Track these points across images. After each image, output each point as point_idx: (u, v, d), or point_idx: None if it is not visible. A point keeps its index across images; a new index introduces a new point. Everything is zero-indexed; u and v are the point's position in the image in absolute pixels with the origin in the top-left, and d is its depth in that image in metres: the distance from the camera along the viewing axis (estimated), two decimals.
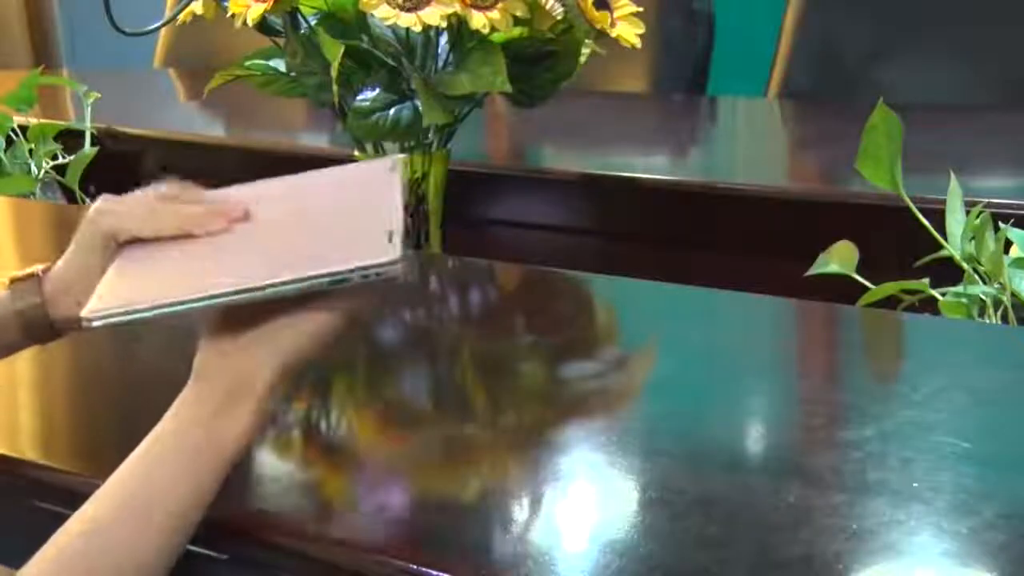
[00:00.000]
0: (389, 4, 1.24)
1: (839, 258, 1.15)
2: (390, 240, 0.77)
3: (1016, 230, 1.11)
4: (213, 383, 0.74)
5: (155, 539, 0.71)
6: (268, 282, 0.76)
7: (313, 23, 1.30)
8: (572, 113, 1.81)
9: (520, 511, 0.79)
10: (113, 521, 0.71)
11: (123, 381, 0.97)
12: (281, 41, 1.35)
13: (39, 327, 0.85)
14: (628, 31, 1.31)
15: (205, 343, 0.76)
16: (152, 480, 0.72)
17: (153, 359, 1.04)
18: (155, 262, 0.82)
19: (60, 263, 0.85)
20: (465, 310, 1.22)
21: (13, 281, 0.85)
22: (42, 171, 1.69)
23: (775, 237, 1.43)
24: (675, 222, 1.50)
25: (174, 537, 0.72)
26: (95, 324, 0.77)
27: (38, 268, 0.85)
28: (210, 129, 2.15)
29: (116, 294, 0.79)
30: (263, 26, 1.32)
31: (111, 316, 0.77)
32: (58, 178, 1.69)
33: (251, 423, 0.74)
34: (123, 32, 1.43)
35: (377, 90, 1.29)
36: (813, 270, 1.16)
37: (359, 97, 1.29)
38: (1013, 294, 1.09)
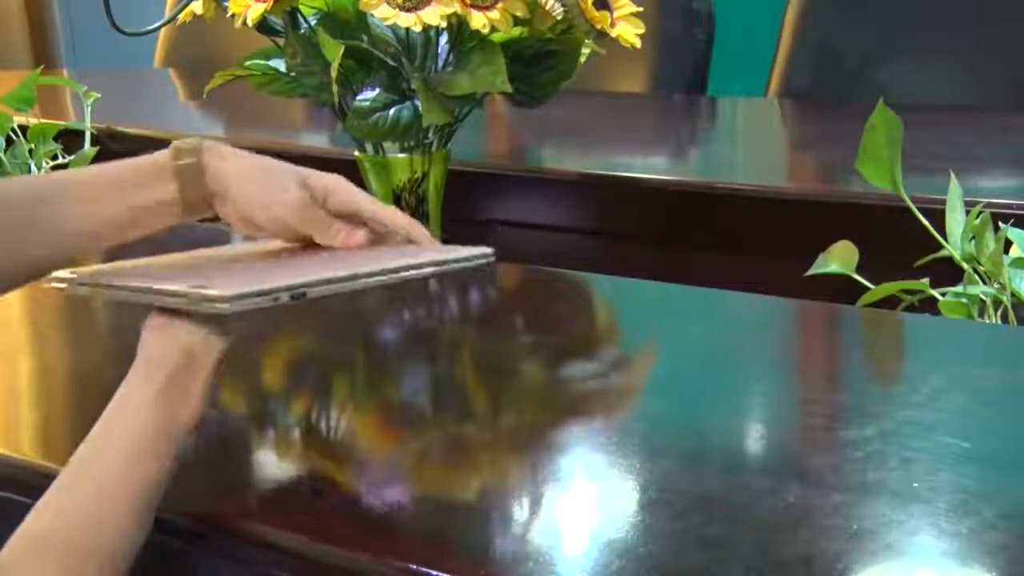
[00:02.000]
0: (389, 4, 1.23)
1: (839, 258, 1.15)
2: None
3: (1016, 230, 1.11)
4: (160, 361, 0.75)
5: (120, 523, 0.72)
6: (379, 268, 0.82)
7: (313, 23, 1.30)
8: (572, 113, 1.81)
9: (520, 511, 0.79)
10: (77, 512, 0.71)
11: (123, 379, 0.96)
12: (281, 41, 1.35)
13: (198, 195, 0.85)
14: (628, 31, 1.31)
15: (149, 320, 0.77)
16: (118, 458, 0.73)
17: None
18: (264, 260, 0.87)
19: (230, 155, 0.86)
20: (465, 310, 1.22)
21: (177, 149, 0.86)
22: (42, 171, 1.69)
23: (775, 237, 1.43)
24: (675, 222, 1.50)
25: (138, 517, 0.73)
26: (232, 309, 0.77)
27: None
28: (210, 129, 2.15)
29: (244, 280, 0.81)
30: (263, 26, 1.32)
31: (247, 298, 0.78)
32: None
33: (200, 400, 0.76)
34: (123, 32, 1.43)
35: (377, 90, 1.29)
36: (813, 270, 1.16)
37: (359, 97, 1.29)
38: (1013, 294, 1.09)
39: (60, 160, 1.70)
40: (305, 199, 0.86)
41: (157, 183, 0.84)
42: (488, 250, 0.89)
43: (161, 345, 0.76)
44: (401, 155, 1.36)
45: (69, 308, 1.24)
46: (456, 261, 0.87)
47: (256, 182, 0.86)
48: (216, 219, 0.88)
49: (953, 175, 1.16)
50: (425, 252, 0.87)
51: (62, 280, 0.84)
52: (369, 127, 1.30)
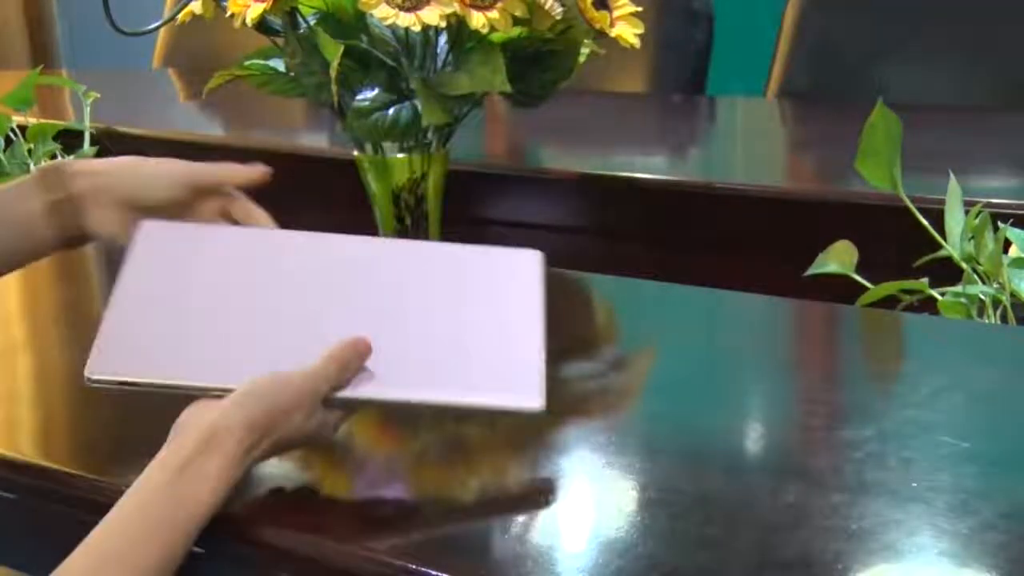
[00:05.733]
0: (388, 4, 1.23)
1: (838, 258, 1.15)
2: (532, 376, 0.79)
3: (1015, 230, 1.11)
4: (184, 439, 0.73)
5: None
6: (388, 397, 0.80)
7: (312, 23, 1.30)
8: (572, 113, 1.81)
9: (520, 511, 0.79)
10: None
11: None
12: (280, 41, 1.35)
13: (70, 225, 0.85)
14: (627, 31, 1.31)
15: (191, 404, 0.76)
16: (123, 541, 0.71)
17: None
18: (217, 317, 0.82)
19: (96, 163, 0.87)
20: None
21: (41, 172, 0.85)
22: None
23: (775, 237, 1.43)
24: (675, 222, 1.50)
25: None
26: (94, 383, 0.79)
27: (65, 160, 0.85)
28: (209, 129, 2.15)
29: (134, 351, 0.80)
30: (262, 26, 1.32)
31: (113, 382, 0.79)
32: None
33: (220, 479, 0.73)
34: (122, 32, 1.43)
35: (376, 90, 1.29)
36: (812, 270, 1.16)
37: (358, 97, 1.29)
38: (1012, 294, 1.09)
39: (59, 160, 1.70)
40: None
41: (21, 200, 0.84)
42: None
43: (188, 423, 0.74)
44: (400, 155, 1.36)
45: (69, 306, 1.24)
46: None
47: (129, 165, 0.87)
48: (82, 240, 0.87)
49: (952, 175, 1.16)
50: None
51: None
52: (368, 127, 1.30)
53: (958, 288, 1.10)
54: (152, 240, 0.85)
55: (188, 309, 0.83)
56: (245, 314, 0.83)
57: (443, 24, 1.24)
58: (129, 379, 0.79)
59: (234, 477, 0.74)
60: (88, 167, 0.86)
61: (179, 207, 0.87)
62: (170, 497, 0.72)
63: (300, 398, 0.76)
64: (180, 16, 1.37)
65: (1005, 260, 1.10)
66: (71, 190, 0.85)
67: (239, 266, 0.86)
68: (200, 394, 0.76)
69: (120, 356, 0.80)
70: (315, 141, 1.94)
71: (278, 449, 0.77)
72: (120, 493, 0.73)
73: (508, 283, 0.85)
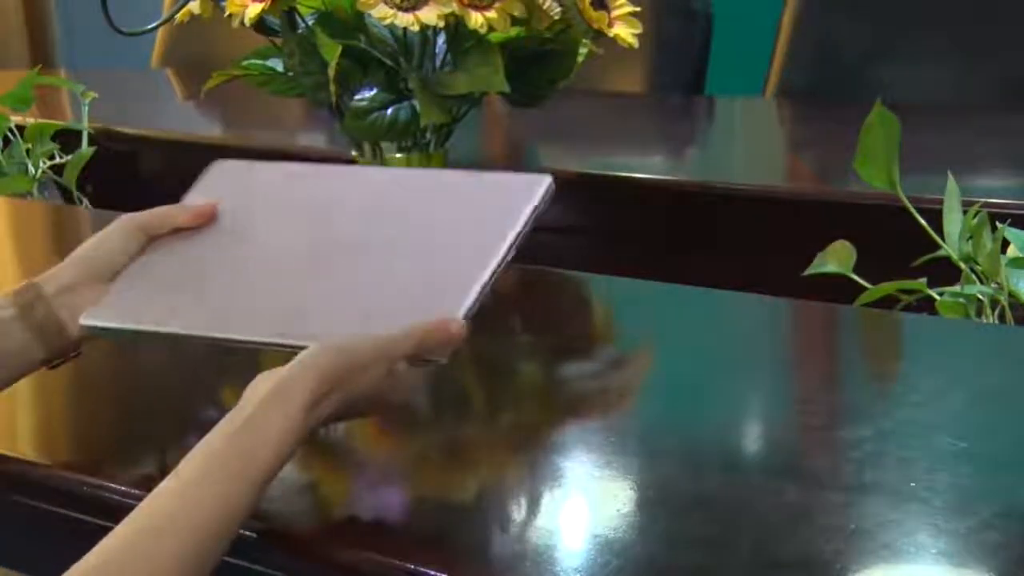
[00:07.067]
0: (386, 4, 1.24)
1: (837, 258, 1.15)
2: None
3: (1013, 230, 1.11)
4: (252, 397, 0.72)
5: (180, 556, 0.68)
6: (283, 341, 0.77)
7: (310, 23, 1.30)
8: (570, 113, 1.81)
9: (519, 511, 0.79)
10: (119, 544, 0.68)
11: (123, 380, 0.97)
12: (279, 41, 1.35)
13: (53, 335, 0.83)
14: (626, 31, 1.31)
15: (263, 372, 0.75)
16: (181, 497, 0.69)
17: (153, 358, 1.04)
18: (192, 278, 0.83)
19: (62, 273, 0.84)
20: None
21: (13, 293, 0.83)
22: (39, 171, 1.69)
23: (773, 237, 1.43)
24: (675, 222, 1.50)
25: (202, 553, 0.69)
26: (88, 327, 0.80)
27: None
28: (208, 129, 2.15)
29: (124, 303, 0.80)
30: (260, 26, 1.32)
31: (108, 327, 0.79)
32: (55, 178, 1.69)
33: (283, 430, 0.71)
34: (120, 32, 1.43)
35: (375, 90, 1.29)
36: (811, 270, 1.16)
37: (357, 97, 1.29)
38: (1010, 294, 1.09)
39: (57, 160, 1.70)
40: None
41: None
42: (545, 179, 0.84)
43: (254, 389, 0.73)
44: (399, 155, 1.36)
45: None
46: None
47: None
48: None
49: (951, 175, 1.16)
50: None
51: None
52: (367, 127, 1.30)
53: (956, 288, 1.10)
54: (215, 180, 0.88)
55: (211, 259, 0.84)
56: (266, 262, 0.84)
57: (441, 24, 1.24)
58: (118, 326, 0.80)
59: (301, 429, 0.72)
60: (58, 282, 0.84)
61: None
62: (232, 448, 0.70)
63: (375, 356, 0.75)
64: (178, 16, 1.37)
65: (1003, 260, 1.10)
66: (57, 314, 0.83)
67: (285, 207, 0.86)
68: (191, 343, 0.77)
69: (119, 304, 0.81)
70: (314, 141, 1.94)
71: (348, 407, 0.75)
72: (120, 493, 0.73)
73: (493, 212, 0.85)
